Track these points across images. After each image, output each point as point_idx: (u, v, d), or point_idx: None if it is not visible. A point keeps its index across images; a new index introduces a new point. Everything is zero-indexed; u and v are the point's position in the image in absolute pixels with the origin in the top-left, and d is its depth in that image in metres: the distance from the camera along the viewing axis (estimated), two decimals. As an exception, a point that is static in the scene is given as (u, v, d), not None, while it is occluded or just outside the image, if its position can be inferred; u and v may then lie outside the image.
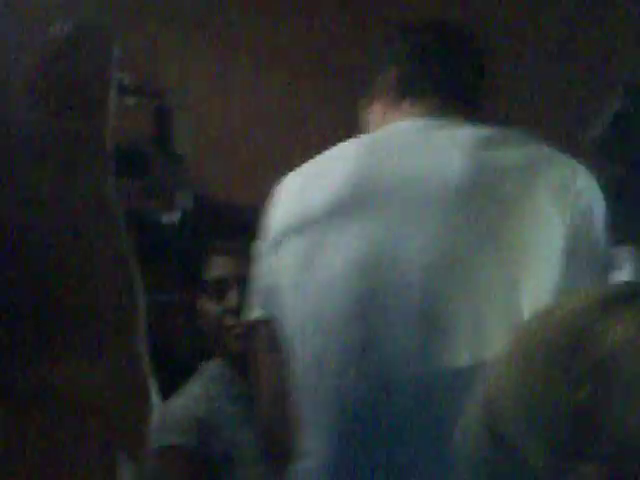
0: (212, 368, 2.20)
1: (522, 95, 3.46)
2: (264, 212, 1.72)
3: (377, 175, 1.57)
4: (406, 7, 3.61)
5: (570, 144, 1.57)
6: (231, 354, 2.17)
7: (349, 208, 1.56)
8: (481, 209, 1.48)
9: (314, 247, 1.57)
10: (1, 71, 0.47)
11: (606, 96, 1.64)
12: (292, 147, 4.05)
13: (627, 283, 0.82)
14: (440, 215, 1.50)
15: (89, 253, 0.46)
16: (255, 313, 1.65)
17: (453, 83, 1.66)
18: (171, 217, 2.15)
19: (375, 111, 1.73)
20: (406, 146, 1.59)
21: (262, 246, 1.67)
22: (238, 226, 2.22)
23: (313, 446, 1.53)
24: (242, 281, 2.09)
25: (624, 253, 1.64)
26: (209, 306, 2.19)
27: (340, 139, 1.72)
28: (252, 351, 1.69)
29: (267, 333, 1.62)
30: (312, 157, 1.70)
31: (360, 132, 1.77)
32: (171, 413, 2.07)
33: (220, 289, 2.19)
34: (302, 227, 1.60)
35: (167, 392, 2.09)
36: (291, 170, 1.73)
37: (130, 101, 2.18)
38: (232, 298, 2.16)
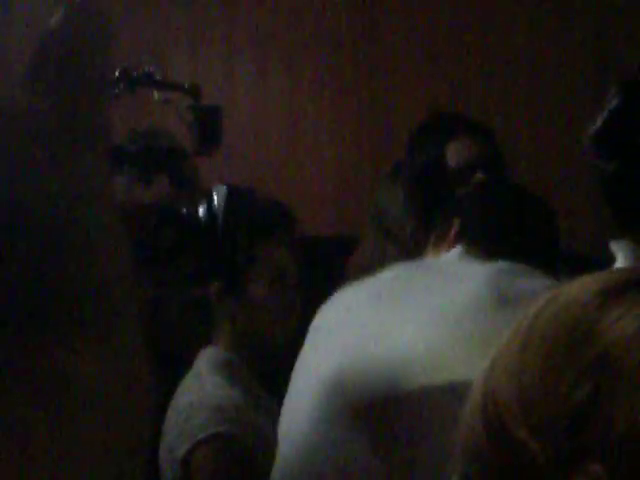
0: (215, 354, 2.20)
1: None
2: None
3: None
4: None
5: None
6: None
7: None
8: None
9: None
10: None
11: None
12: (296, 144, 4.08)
13: (631, 270, 0.73)
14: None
15: (87, 238, 0.45)
16: None
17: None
18: (200, 211, 2.14)
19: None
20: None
21: None
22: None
23: None
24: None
25: (619, 247, 1.66)
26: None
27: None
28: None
29: None
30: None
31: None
32: (207, 402, 2.06)
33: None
34: None
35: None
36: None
37: (158, 96, 2.17)
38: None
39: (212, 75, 4.04)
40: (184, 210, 1.97)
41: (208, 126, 2.15)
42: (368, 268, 1.87)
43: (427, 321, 1.59)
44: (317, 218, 3.72)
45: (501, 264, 1.66)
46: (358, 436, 1.53)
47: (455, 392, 1.48)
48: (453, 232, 1.75)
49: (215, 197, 2.04)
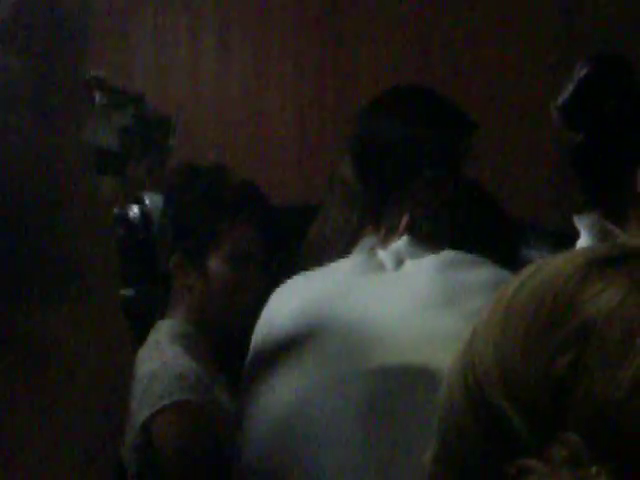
0: (173, 325, 2.19)
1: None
2: None
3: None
4: None
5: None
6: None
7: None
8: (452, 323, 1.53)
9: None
10: None
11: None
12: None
13: (614, 245, 0.74)
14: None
15: (69, 198, 0.46)
16: None
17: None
18: (138, 213, 2.15)
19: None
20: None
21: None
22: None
23: None
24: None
25: (582, 222, 1.66)
26: None
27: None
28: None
29: None
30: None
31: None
32: (170, 370, 2.05)
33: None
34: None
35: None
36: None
37: (106, 100, 2.14)
38: None
39: (176, 48, 4.02)
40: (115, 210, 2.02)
41: (153, 137, 2.13)
42: (330, 237, 1.86)
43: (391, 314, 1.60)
44: (280, 188, 3.71)
45: (447, 254, 1.66)
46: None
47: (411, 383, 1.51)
48: (403, 223, 1.75)
49: (147, 201, 2.08)
